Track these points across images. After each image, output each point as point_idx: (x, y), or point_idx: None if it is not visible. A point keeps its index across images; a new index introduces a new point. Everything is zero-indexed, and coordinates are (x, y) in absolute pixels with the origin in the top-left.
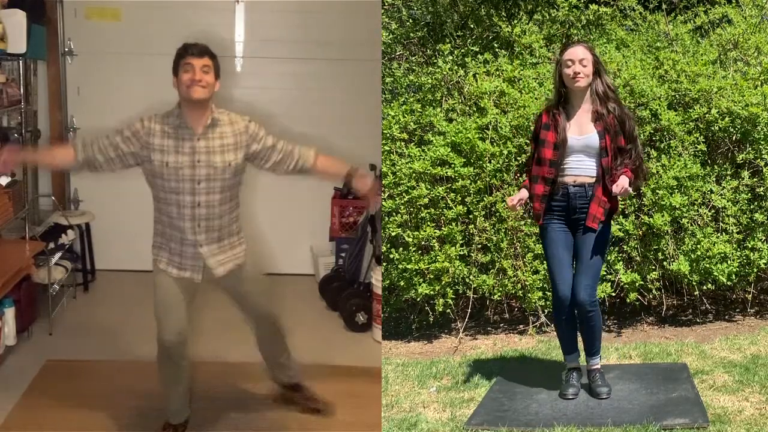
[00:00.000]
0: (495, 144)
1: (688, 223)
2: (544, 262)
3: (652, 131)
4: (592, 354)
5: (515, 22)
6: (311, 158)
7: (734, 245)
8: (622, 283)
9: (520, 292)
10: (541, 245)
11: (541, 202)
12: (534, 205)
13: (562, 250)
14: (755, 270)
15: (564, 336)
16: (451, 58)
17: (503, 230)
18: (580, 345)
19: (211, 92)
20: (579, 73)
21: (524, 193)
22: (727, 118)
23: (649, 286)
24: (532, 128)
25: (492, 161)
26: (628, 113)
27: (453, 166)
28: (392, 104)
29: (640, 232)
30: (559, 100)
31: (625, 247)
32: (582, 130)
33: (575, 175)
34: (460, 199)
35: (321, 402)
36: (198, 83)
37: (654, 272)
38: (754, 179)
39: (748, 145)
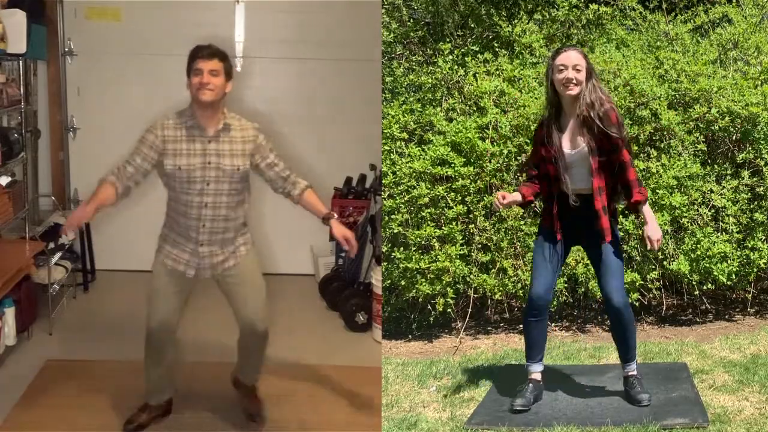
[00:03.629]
0: (495, 143)
1: (688, 222)
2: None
3: (652, 131)
4: (628, 360)
5: (515, 21)
6: (299, 191)
7: (734, 245)
8: None
9: (521, 291)
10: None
11: (555, 220)
12: (544, 220)
13: (548, 253)
14: (755, 270)
15: (532, 341)
16: (451, 57)
17: (503, 230)
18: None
19: (220, 95)
20: (572, 80)
21: (517, 197)
22: (727, 118)
23: (649, 285)
24: (532, 128)
25: (492, 161)
26: (611, 124)
27: (453, 165)
28: (392, 104)
29: (640, 232)
30: (551, 110)
31: (625, 246)
32: (574, 144)
33: (576, 188)
34: (460, 198)
35: (259, 411)
36: (206, 87)
37: (654, 272)
38: (754, 179)
39: (748, 145)
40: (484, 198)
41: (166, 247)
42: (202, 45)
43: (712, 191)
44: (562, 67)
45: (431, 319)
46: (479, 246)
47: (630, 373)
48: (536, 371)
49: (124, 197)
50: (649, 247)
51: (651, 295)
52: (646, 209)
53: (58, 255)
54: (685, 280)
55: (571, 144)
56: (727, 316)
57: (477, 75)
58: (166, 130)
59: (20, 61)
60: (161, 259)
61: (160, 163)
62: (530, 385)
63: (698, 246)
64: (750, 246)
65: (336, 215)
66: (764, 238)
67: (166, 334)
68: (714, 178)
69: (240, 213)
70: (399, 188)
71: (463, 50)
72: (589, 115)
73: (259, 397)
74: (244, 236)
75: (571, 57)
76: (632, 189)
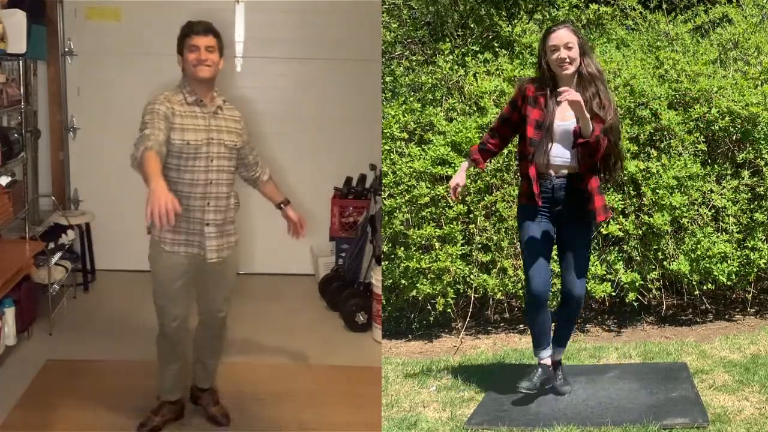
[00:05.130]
0: None
1: (688, 222)
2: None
3: (652, 131)
4: (563, 344)
5: (515, 21)
6: (262, 178)
7: (734, 245)
8: (622, 283)
9: (521, 291)
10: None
11: (530, 183)
12: (522, 184)
13: (542, 243)
14: (755, 270)
15: (538, 330)
16: (451, 57)
17: (504, 229)
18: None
19: (216, 71)
20: (566, 59)
21: (462, 178)
22: (727, 118)
23: (649, 285)
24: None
25: (492, 161)
26: (607, 100)
27: (453, 165)
28: (392, 103)
29: (640, 232)
30: (546, 82)
31: (625, 246)
32: (563, 116)
33: (556, 165)
34: (460, 198)
35: (221, 414)
36: (204, 63)
37: (654, 272)
38: (754, 179)
39: (748, 145)
40: (485, 198)
41: (169, 237)
42: (195, 21)
43: (712, 191)
44: (554, 48)
45: (431, 319)
46: (479, 246)
47: (558, 358)
48: (544, 356)
49: None
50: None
51: (651, 295)
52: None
53: (58, 255)
54: (685, 280)
55: (560, 116)
56: (727, 316)
57: (477, 75)
58: (173, 104)
59: (20, 61)
60: (168, 251)
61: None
62: (539, 369)
63: (698, 246)
64: (750, 246)
65: (289, 201)
66: (764, 238)
67: (181, 329)
68: (714, 178)
69: (232, 192)
70: (399, 188)
71: (463, 50)
72: (590, 91)
73: (219, 398)
74: (234, 226)
75: (562, 36)
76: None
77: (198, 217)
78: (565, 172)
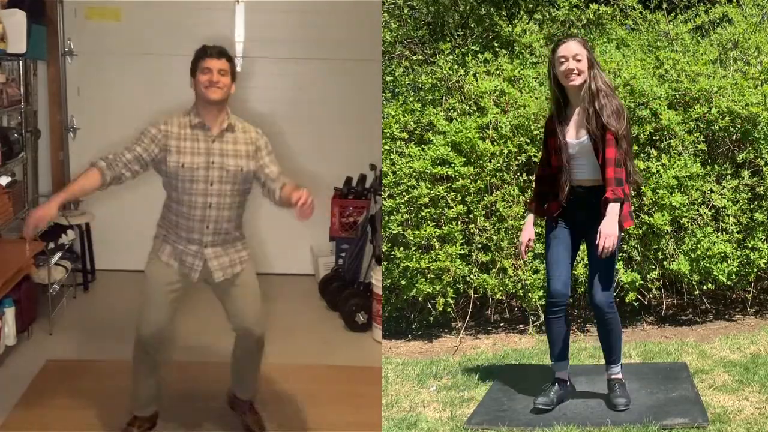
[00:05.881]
0: (495, 143)
1: (688, 222)
2: (545, 261)
3: (652, 131)
4: (611, 362)
5: (515, 21)
6: (278, 191)
7: (734, 245)
8: (622, 283)
9: (521, 291)
10: (541, 244)
11: (553, 203)
12: (548, 208)
13: (562, 248)
14: (755, 269)
15: (554, 338)
16: (451, 57)
17: (503, 229)
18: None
19: (227, 94)
20: (573, 70)
21: (531, 231)
22: (727, 118)
23: (649, 285)
24: (532, 128)
25: (492, 161)
26: (615, 113)
27: (453, 165)
28: (392, 103)
29: (640, 232)
30: (558, 103)
31: (625, 246)
32: (578, 133)
33: (579, 179)
34: (460, 198)
35: (256, 425)
36: (215, 85)
37: (654, 272)
38: (754, 179)
39: (748, 145)
40: (485, 198)
41: (166, 249)
42: (210, 45)
43: (712, 191)
44: (563, 59)
45: (431, 318)
46: (479, 246)
47: (613, 376)
48: (560, 371)
49: (115, 184)
50: (597, 242)
51: (651, 295)
52: (611, 206)
53: (58, 255)
54: (685, 280)
55: (576, 134)
56: (727, 316)
57: (477, 75)
58: (170, 126)
59: (20, 61)
60: (164, 261)
61: (161, 160)
62: (555, 385)
63: (698, 246)
64: (750, 246)
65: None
66: (764, 238)
67: (160, 341)
68: (714, 178)
69: (241, 213)
70: (399, 188)
71: (463, 50)
72: (593, 106)
73: (257, 409)
74: (243, 242)
75: (571, 48)
76: (606, 186)
77: (197, 238)
78: (587, 184)
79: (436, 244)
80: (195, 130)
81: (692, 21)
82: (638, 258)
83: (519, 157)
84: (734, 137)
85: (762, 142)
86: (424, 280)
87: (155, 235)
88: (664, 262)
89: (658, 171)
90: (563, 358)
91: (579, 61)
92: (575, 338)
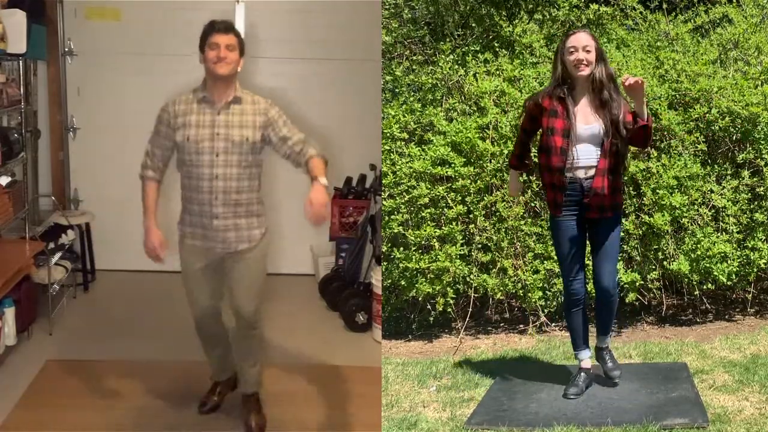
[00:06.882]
0: (495, 144)
1: (688, 222)
2: (545, 261)
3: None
4: (606, 333)
5: (516, 21)
6: (305, 161)
7: (734, 245)
8: (622, 283)
9: (521, 291)
10: (541, 245)
11: (557, 192)
12: (548, 195)
13: (576, 247)
14: (755, 270)
15: (576, 329)
16: (451, 57)
17: (503, 230)
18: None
19: (236, 69)
20: (582, 60)
21: (519, 184)
22: (727, 118)
23: (649, 285)
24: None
25: (492, 161)
26: (621, 104)
27: (453, 165)
28: (392, 104)
29: (640, 232)
30: (563, 87)
31: (625, 246)
32: (587, 120)
33: (586, 166)
34: (460, 198)
35: (257, 425)
36: (223, 60)
37: (654, 272)
38: (755, 179)
39: (748, 145)
40: (485, 198)
41: (189, 230)
42: (218, 20)
43: (712, 191)
44: (572, 49)
45: (431, 319)
46: (479, 246)
47: (605, 345)
48: (585, 358)
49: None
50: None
51: (651, 295)
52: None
53: (58, 255)
54: (685, 280)
55: (584, 120)
56: (727, 316)
57: (477, 75)
58: (177, 105)
59: (20, 61)
60: (190, 243)
61: (174, 139)
62: (582, 374)
63: (698, 246)
64: (750, 246)
65: (324, 182)
66: (764, 238)
67: (211, 317)
68: (714, 178)
69: (254, 187)
70: (399, 188)
71: (463, 50)
72: (601, 96)
73: (263, 410)
74: (259, 219)
75: (581, 38)
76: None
77: (207, 210)
78: (593, 172)
79: (436, 244)
80: (201, 105)
81: (692, 21)
82: (638, 258)
83: None
84: (734, 137)
85: (762, 142)
86: (424, 280)
87: (179, 220)
88: (664, 262)
89: (658, 171)
90: (583, 346)
91: (588, 51)
92: None
